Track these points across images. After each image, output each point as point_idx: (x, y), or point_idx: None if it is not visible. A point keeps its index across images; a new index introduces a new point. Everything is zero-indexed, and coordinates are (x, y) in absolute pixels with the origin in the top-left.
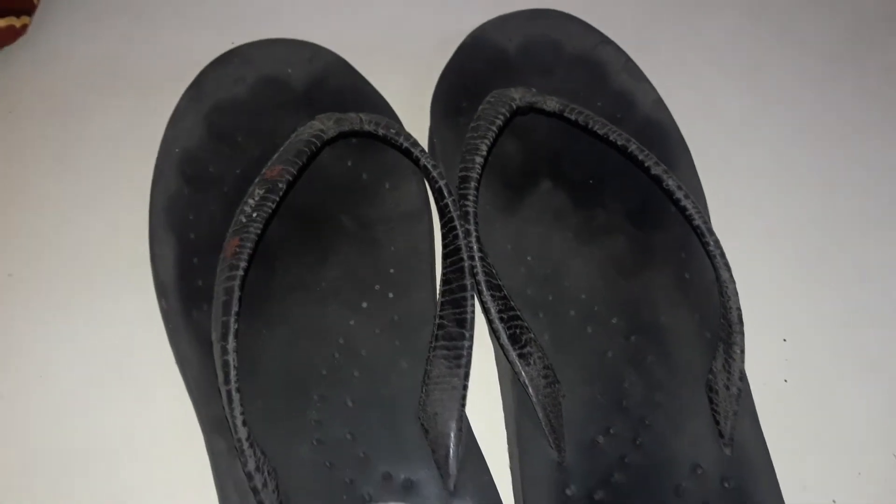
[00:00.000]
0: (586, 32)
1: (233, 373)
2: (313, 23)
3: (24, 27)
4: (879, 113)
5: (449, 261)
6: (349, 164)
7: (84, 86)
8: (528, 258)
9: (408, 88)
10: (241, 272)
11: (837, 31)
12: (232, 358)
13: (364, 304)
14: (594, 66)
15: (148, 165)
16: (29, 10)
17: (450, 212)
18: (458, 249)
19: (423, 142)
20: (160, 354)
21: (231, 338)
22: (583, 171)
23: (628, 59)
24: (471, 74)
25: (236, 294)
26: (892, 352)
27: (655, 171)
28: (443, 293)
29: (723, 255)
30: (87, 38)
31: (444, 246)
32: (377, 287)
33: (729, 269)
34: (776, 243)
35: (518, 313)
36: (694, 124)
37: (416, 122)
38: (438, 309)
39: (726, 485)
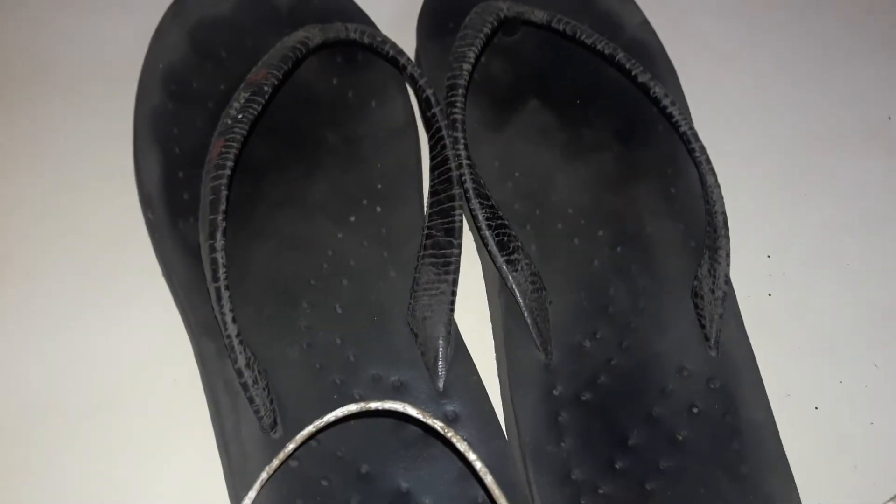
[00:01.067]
0: None
1: (221, 270)
2: None
3: None
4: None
5: (437, 172)
6: (335, 81)
7: (60, 7)
8: (516, 174)
9: (393, 10)
10: (227, 171)
11: None
12: (220, 256)
13: (352, 219)
14: None
15: (132, 81)
16: None
17: (437, 122)
18: (446, 160)
19: None
20: (145, 264)
21: (219, 235)
22: (570, 90)
23: None
24: None
25: (223, 193)
26: (873, 263)
27: (642, 78)
28: (431, 204)
29: (708, 160)
30: None
31: (432, 158)
32: (364, 202)
33: (714, 175)
34: (759, 162)
35: (505, 221)
36: (677, 46)
37: (402, 45)
38: (426, 220)
39: (712, 385)
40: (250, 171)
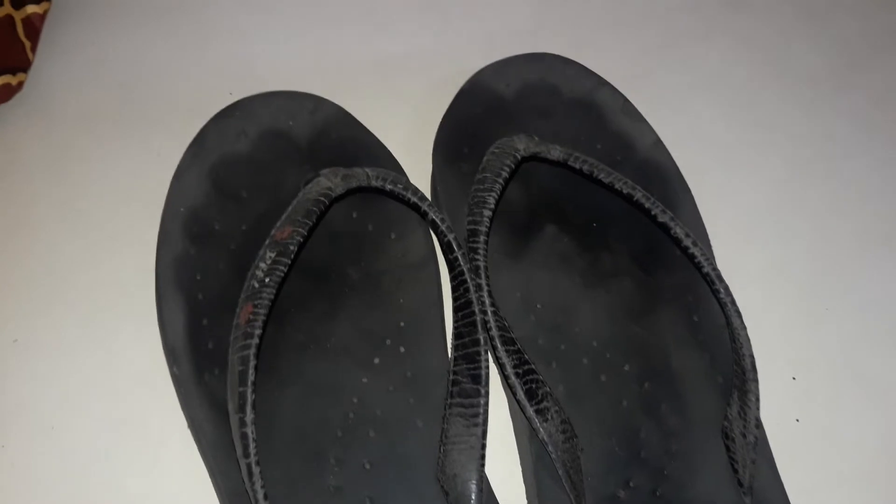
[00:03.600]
0: (583, 75)
1: (252, 445)
2: (313, 71)
3: (20, 84)
4: (866, 134)
5: (460, 314)
6: (354, 215)
7: (83, 136)
8: (538, 306)
9: (408, 132)
10: (256, 340)
11: (823, 55)
12: (250, 430)
13: (376, 360)
14: (592, 108)
15: (151, 216)
16: (25, 66)
17: (459, 265)
18: (470, 303)
19: (426, 186)
20: (172, 419)
21: (249, 409)
22: (586, 214)
23: (626, 101)
24: (470, 120)
25: (252, 363)
26: None
27: (662, 218)
28: (455, 347)
29: (733, 302)
30: (84, 89)
31: (455, 299)
32: (388, 342)
33: (740, 316)
34: (777, 274)
35: (533, 367)
36: (689, 155)
37: (418, 166)
38: (452, 364)
39: None
40: (273, 313)
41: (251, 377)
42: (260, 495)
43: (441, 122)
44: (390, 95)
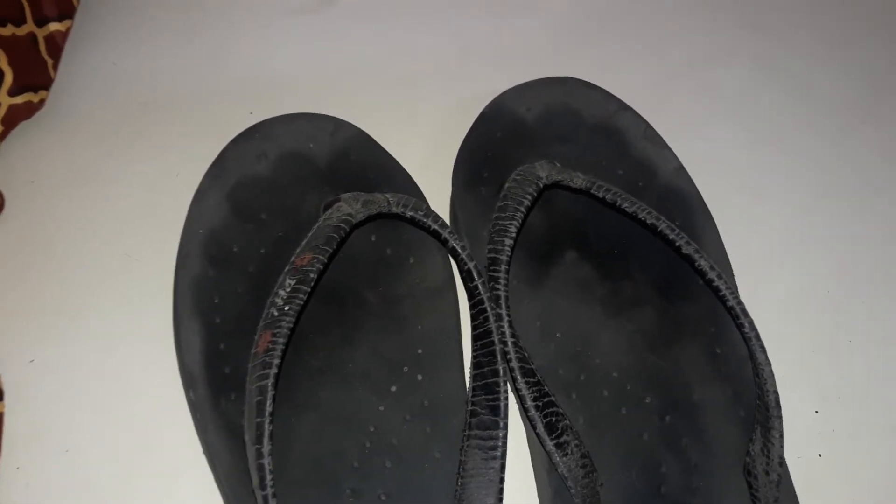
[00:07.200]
0: (604, 99)
1: (268, 477)
2: (332, 93)
3: (42, 101)
4: (890, 164)
5: (479, 343)
6: (372, 238)
7: (103, 155)
8: (558, 335)
9: (428, 155)
10: (274, 370)
11: (848, 83)
12: (267, 462)
13: (393, 388)
14: (614, 133)
15: (170, 237)
16: (46, 84)
17: (479, 294)
18: (489, 332)
19: (444, 209)
20: (187, 444)
21: (266, 440)
22: (607, 242)
23: (648, 126)
24: (491, 144)
25: (270, 393)
26: None
27: (686, 250)
28: (474, 377)
29: (758, 336)
30: (104, 107)
31: (474, 328)
32: (405, 369)
33: (765, 352)
34: (800, 305)
35: (553, 399)
36: (711, 181)
37: (437, 190)
38: (470, 394)
39: None
40: (291, 339)
41: (269, 408)
42: None
43: (461, 146)
44: (410, 117)
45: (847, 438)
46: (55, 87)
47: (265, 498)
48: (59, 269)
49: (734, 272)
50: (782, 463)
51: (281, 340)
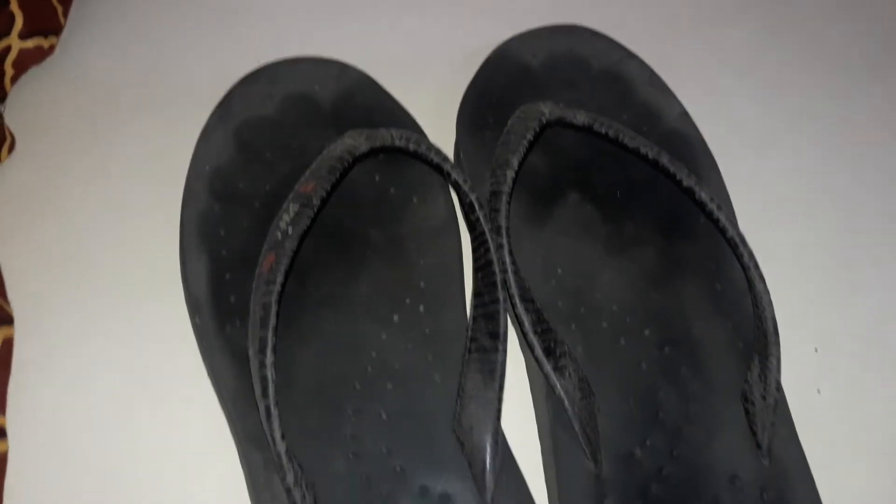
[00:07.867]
0: (610, 47)
1: (271, 387)
2: (338, 40)
3: (52, 48)
4: None
5: (480, 274)
6: (377, 178)
7: (112, 105)
8: (559, 271)
9: (433, 103)
10: (278, 287)
11: (858, 41)
12: (270, 372)
13: (395, 318)
14: (619, 80)
15: (178, 182)
16: (56, 30)
17: (481, 226)
18: (490, 263)
19: (449, 154)
20: (192, 370)
21: (269, 352)
22: (610, 183)
23: (653, 73)
24: (496, 89)
25: (273, 308)
26: None
27: (687, 183)
28: (475, 307)
29: (756, 266)
30: (114, 58)
31: (475, 259)
32: (408, 301)
33: (763, 281)
34: (803, 252)
35: (551, 325)
36: (717, 135)
37: (442, 137)
38: (471, 322)
39: (765, 496)
40: (295, 271)
41: (272, 322)
42: (278, 435)
43: (466, 91)
44: (416, 64)
45: (846, 376)
46: (64, 36)
47: (267, 407)
48: (66, 214)
49: (738, 222)
50: (779, 388)
51: (285, 260)
